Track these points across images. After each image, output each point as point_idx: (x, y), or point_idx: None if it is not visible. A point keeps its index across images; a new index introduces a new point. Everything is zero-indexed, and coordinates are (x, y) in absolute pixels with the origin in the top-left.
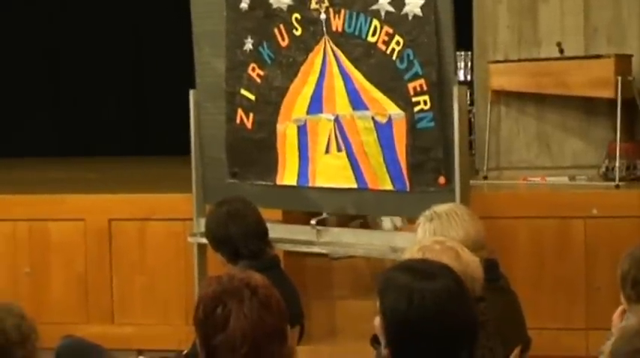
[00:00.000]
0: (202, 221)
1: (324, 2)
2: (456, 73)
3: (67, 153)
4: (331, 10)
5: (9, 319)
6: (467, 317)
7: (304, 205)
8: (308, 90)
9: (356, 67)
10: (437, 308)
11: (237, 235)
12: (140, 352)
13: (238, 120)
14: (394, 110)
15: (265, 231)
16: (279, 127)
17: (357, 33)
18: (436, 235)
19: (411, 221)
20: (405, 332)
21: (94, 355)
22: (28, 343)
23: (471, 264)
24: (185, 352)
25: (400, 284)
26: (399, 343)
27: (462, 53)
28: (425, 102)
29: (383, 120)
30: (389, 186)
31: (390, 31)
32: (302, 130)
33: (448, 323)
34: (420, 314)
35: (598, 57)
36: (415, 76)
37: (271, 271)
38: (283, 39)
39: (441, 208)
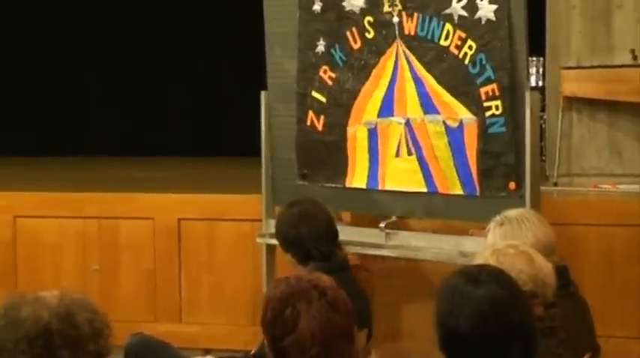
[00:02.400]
0: (271, 222)
1: (397, 5)
2: (528, 79)
3: (138, 152)
4: (404, 13)
5: (82, 313)
6: (514, 324)
7: (373, 208)
8: (379, 93)
9: (428, 70)
10: (477, 315)
11: (308, 236)
12: (207, 351)
13: (309, 122)
14: (465, 114)
15: (335, 233)
16: (350, 130)
17: (429, 37)
18: (506, 239)
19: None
20: (453, 337)
21: (162, 352)
22: (101, 338)
23: (543, 269)
24: (252, 352)
25: (449, 289)
26: (449, 347)
27: (534, 59)
28: (497, 107)
29: (454, 124)
30: (459, 191)
31: (463, 35)
32: (372, 133)
33: (490, 329)
34: (463, 320)
35: None
36: (487, 81)
37: (340, 273)
38: (355, 41)
39: (511, 213)
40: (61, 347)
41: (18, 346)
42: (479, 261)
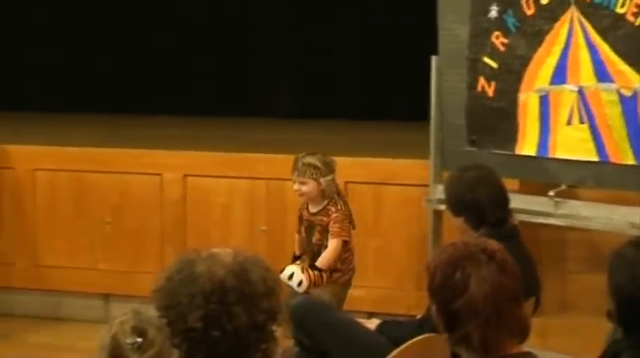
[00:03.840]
0: (439, 187)
1: None
2: None
3: (305, 115)
4: None
5: (255, 271)
6: None
7: (543, 176)
8: (552, 60)
9: (603, 38)
10: None
11: (485, 201)
12: (371, 315)
13: (479, 88)
14: None
15: (508, 200)
16: (521, 97)
17: (605, 3)
18: None
19: None
20: (632, 309)
21: (326, 313)
22: (273, 296)
23: None
24: (419, 317)
25: (625, 260)
26: (628, 320)
27: None
28: None
29: (628, 93)
30: (631, 161)
31: None
32: (544, 100)
33: None
34: None
35: None
36: None
37: (511, 240)
38: (529, 7)
39: None
40: (236, 304)
41: (193, 301)
42: None
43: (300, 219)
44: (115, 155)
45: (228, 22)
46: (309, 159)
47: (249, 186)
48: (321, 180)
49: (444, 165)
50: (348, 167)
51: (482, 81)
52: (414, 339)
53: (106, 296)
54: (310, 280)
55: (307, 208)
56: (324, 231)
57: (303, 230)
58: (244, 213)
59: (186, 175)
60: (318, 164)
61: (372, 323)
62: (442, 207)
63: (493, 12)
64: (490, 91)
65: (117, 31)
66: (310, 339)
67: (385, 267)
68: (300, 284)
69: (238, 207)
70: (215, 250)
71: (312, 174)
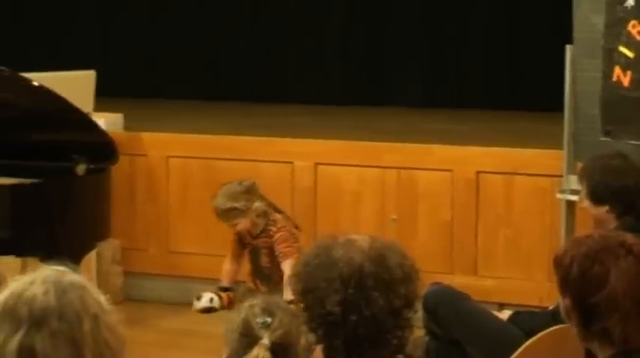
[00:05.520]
0: (572, 178)
1: None
2: None
3: (436, 104)
4: None
5: (393, 257)
6: None
7: None
8: None
9: None
10: None
11: (633, 188)
12: (501, 305)
13: (615, 78)
14: None
15: None
16: None
17: None
18: None
19: None
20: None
21: (460, 303)
22: (411, 282)
23: None
24: (551, 308)
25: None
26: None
27: None
28: None
29: None
30: None
31: None
32: None
33: None
34: None
35: None
36: None
37: None
38: None
39: None
40: (374, 289)
41: (331, 285)
42: None
43: (242, 243)
44: (246, 142)
45: (360, 11)
46: (225, 205)
47: (379, 174)
48: (249, 213)
49: (578, 156)
50: (480, 157)
51: (617, 70)
52: (548, 330)
53: (237, 284)
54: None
55: (250, 233)
56: (271, 253)
57: (247, 253)
58: (375, 202)
59: (317, 163)
60: (237, 204)
61: (504, 315)
62: (575, 197)
63: (630, 1)
64: (626, 81)
65: (248, 20)
66: (441, 328)
67: (516, 258)
68: (211, 300)
69: (369, 196)
70: (352, 236)
71: (237, 216)
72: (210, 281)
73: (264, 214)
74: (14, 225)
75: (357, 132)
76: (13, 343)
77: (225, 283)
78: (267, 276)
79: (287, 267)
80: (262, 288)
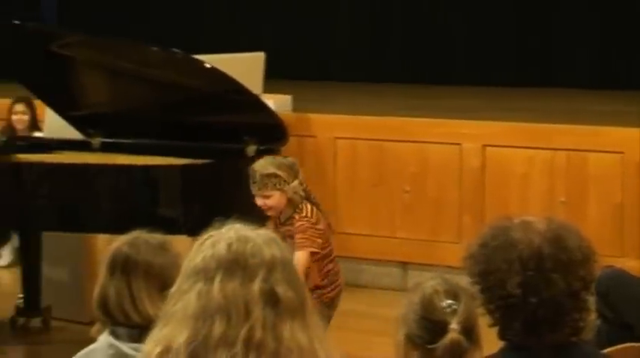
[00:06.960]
0: None
1: None
2: None
3: (605, 85)
4: None
5: (571, 238)
6: None
7: None
8: None
9: None
10: None
11: None
12: None
13: None
14: None
15: None
16: None
17: None
18: None
19: None
20: None
21: (634, 287)
22: (589, 264)
23: None
24: None
25: None
26: None
27: None
28: None
29: None
30: None
31: None
32: None
33: None
34: None
35: None
36: None
37: None
38: None
39: None
40: (553, 271)
41: (512, 267)
42: None
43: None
44: (414, 124)
45: None
46: (268, 169)
47: (549, 156)
48: (287, 188)
49: None
50: None
51: None
52: None
53: (404, 265)
54: None
55: (279, 217)
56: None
57: None
58: (543, 184)
59: (485, 145)
60: (280, 172)
61: None
62: None
63: None
64: None
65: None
66: (613, 312)
67: None
68: None
69: (537, 178)
70: (527, 217)
71: (275, 185)
72: (377, 263)
73: (297, 197)
74: (185, 205)
75: (526, 114)
76: (255, 288)
77: None
78: None
79: (295, 258)
80: None
